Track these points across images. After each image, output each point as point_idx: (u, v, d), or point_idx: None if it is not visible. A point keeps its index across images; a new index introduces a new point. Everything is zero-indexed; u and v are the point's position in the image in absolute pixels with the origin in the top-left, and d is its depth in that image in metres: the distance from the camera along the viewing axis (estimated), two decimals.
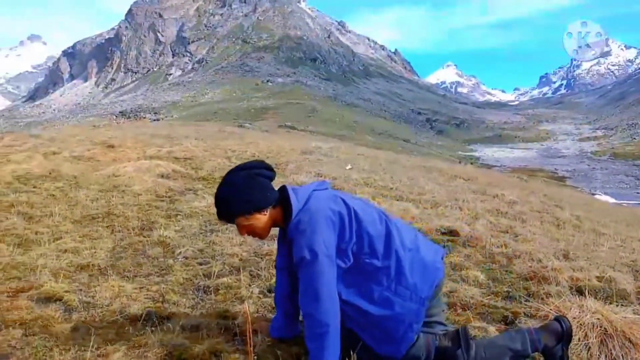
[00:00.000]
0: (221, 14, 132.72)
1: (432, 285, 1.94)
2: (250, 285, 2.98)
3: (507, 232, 5.16)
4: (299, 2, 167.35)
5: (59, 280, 2.90)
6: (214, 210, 5.15)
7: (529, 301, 2.91)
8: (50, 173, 7.39)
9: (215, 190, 2.01)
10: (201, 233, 4.35)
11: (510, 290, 3.15)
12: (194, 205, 5.49)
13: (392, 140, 43.22)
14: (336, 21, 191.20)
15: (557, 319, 2.14)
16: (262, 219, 1.96)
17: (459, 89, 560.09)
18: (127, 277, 3.12)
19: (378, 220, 1.97)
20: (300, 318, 2.09)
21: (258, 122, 39.63)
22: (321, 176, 8.91)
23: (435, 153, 40.56)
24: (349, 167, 11.16)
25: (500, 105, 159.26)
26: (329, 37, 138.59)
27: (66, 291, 2.73)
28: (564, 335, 2.06)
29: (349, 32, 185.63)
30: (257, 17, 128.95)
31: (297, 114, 53.37)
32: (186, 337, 2.24)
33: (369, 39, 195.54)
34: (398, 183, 9.13)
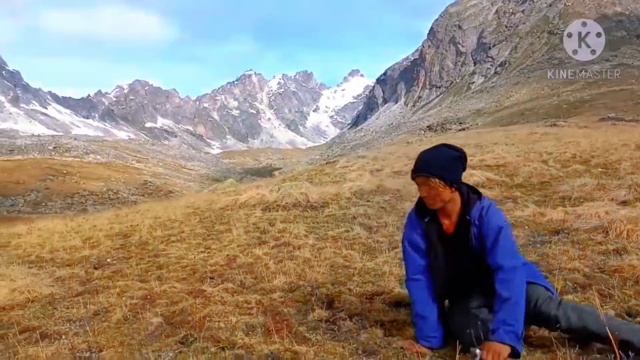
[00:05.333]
0: (522, 11, 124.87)
1: None
2: (602, 307, 2.59)
3: None
4: None
5: (404, 287, 3.19)
6: (541, 220, 4.78)
7: None
8: (377, 188, 8.34)
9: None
10: (530, 244, 4.09)
11: None
12: (516, 214, 5.23)
13: None
14: None
15: None
16: (448, 191, 2.33)
17: None
18: None
19: None
20: None
21: (573, 118, 35.20)
22: None
23: None
24: None
25: None
26: None
27: None
28: None
29: None
30: (564, 4, 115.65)
31: (623, 102, 44.85)
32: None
33: None
34: None
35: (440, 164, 2.31)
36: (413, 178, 2.41)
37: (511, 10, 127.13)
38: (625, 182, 6.39)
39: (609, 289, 2.82)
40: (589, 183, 6.49)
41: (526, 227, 4.68)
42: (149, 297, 3.56)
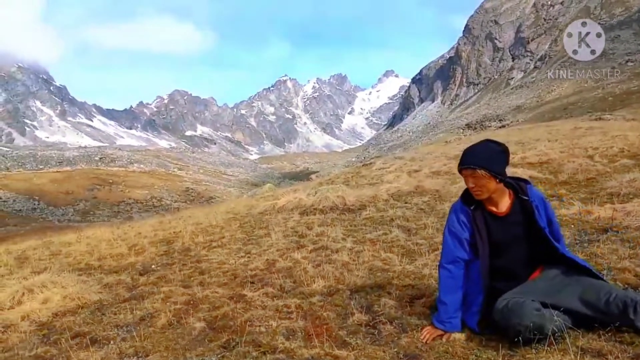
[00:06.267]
0: (561, 2, 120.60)
1: None
2: None
3: None
4: None
5: None
6: (587, 218, 4.60)
7: None
8: (416, 189, 8.24)
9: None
10: (577, 243, 3.93)
11: None
12: (562, 212, 5.04)
13: None
14: None
15: None
16: (494, 182, 2.46)
17: None
18: None
19: None
20: None
21: (619, 111, 33.59)
22: None
23: None
24: None
25: None
26: None
27: None
28: None
29: None
30: None
31: None
32: None
33: None
34: None
35: (486, 156, 2.49)
36: (460, 171, 2.57)
37: (550, 2, 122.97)
38: None
39: None
40: (639, 178, 6.20)
41: (572, 225, 4.51)
42: (192, 302, 3.64)
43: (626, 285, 2.78)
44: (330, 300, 3.26)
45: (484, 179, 2.46)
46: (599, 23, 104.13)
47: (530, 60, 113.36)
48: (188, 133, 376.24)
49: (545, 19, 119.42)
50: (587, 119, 27.80)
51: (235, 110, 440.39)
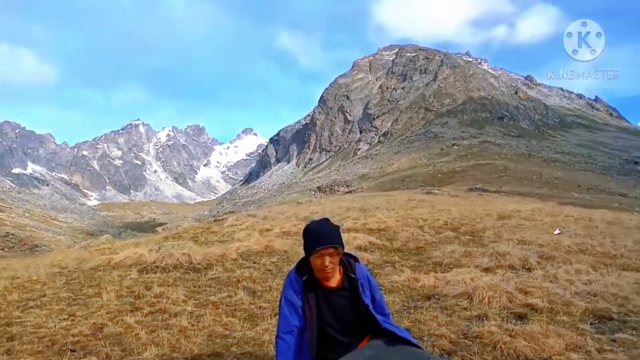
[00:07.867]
0: (402, 87, 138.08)
1: None
2: None
3: None
4: (480, 64, 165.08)
5: None
6: (415, 285, 5.04)
7: None
8: (265, 249, 8.27)
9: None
10: (404, 310, 4.28)
11: None
12: (393, 279, 5.49)
13: (605, 196, 37.38)
14: (522, 76, 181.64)
15: None
16: (338, 260, 2.60)
17: None
18: None
19: None
20: None
21: (446, 187, 38.75)
22: (525, 243, 8.14)
23: None
24: (557, 231, 10.00)
25: None
26: (515, 93, 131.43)
27: None
28: None
29: (538, 85, 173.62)
30: (438, 85, 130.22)
31: (488, 174, 50.76)
32: None
33: (562, 89, 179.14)
34: (622, 249, 7.81)
35: (338, 234, 2.60)
36: (319, 249, 2.52)
37: (393, 86, 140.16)
38: (488, 249, 7.02)
39: (471, 355, 3.03)
40: (458, 250, 7.06)
41: (402, 292, 4.92)
42: None
43: (442, 352, 3.08)
44: None
45: (338, 256, 2.58)
46: (431, 110, 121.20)
47: (375, 134, 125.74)
48: (15, 170, 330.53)
49: (389, 100, 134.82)
50: (420, 192, 31.31)
51: (76, 150, 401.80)
